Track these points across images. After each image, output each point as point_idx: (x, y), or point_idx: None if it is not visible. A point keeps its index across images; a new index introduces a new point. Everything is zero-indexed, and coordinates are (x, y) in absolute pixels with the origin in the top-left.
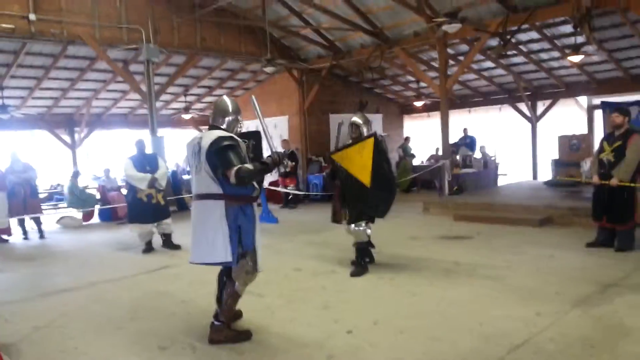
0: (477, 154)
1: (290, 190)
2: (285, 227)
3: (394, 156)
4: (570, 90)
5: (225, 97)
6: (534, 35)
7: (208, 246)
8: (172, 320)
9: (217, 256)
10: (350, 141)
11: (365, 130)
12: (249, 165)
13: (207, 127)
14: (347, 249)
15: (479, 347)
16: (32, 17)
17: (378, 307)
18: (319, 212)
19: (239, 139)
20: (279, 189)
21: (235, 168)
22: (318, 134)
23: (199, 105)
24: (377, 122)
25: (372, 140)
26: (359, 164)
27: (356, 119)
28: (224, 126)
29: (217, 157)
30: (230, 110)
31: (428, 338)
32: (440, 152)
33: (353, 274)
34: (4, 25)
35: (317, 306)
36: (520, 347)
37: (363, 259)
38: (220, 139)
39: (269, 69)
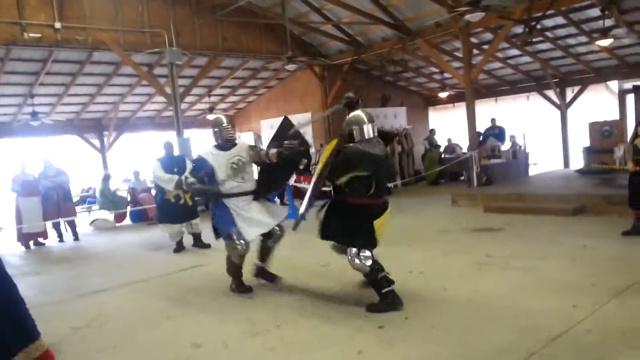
0: (507, 144)
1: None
2: (314, 224)
3: (419, 149)
4: (599, 75)
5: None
6: (560, 20)
7: None
8: (204, 318)
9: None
10: None
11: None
12: (190, 180)
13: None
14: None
15: (514, 340)
16: (57, 25)
17: (409, 302)
18: None
19: (208, 156)
20: (301, 185)
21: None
22: (342, 130)
23: (222, 106)
24: (401, 115)
25: (334, 142)
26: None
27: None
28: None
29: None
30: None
31: (461, 332)
32: (453, 142)
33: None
34: (31, 34)
35: (348, 302)
36: (557, 340)
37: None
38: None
39: (290, 67)
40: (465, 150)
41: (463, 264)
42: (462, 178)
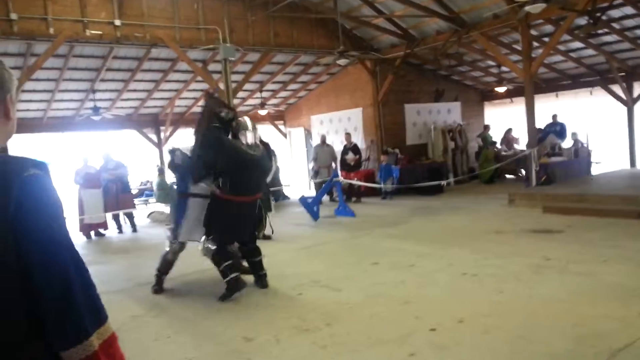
0: (569, 142)
1: (360, 183)
2: (363, 221)
3: (473, 145)
4: None
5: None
6: (629, 10)
7: None
8: (255, 312)
9: None
10: None
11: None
12: None
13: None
14: (426, 241)
15: (573, 349)
16: (117, 22)
17: (462, 304)
18: (396, 204)
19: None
20: (354, 181)
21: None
22: (393, 125)
23: (273, 101)
24: (455, 110)
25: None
26: None
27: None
28: None
29: None
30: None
31: (516, 338)
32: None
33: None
34: (93, 31)
35: (397, 301)
36: (622, 352)
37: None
38: None
39: (341, 62)
40: (521, 144)
41: (519, 267)
42: (520, 175)
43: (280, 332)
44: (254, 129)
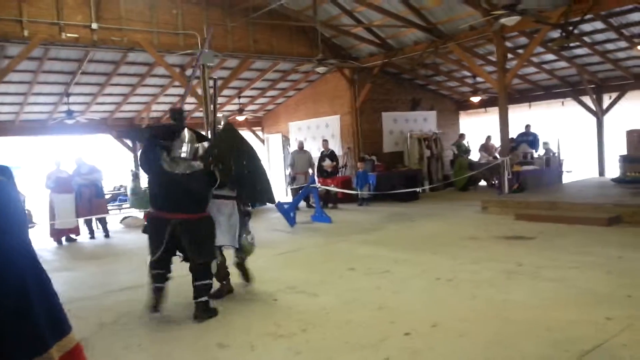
0: (541, 151)
1: (337, 189)
2: (339, 227)
3: (448, 154)
4: (639, 81)
5: None
6: (599, 25)
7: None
8: (230, 318)
9: None
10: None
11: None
12: None
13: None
14: (402, 247)
15: (546, 353)
16: (94, 26)
17: (436, 309)
18: (372, 211)
19: None
20: (331, 188)
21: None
22: (371, 133)
23: (251, 107)
24: (431, 119)
25: None
26: None
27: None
28: None
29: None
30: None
31: (490, 342)
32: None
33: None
34: (69, 34)
35: (373, 307)
36: (591, 353)
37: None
38: None
39: (320, 69)
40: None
41: (493, 273)
42: (493, 183)
43: (256, 338)
44: (191, 140)
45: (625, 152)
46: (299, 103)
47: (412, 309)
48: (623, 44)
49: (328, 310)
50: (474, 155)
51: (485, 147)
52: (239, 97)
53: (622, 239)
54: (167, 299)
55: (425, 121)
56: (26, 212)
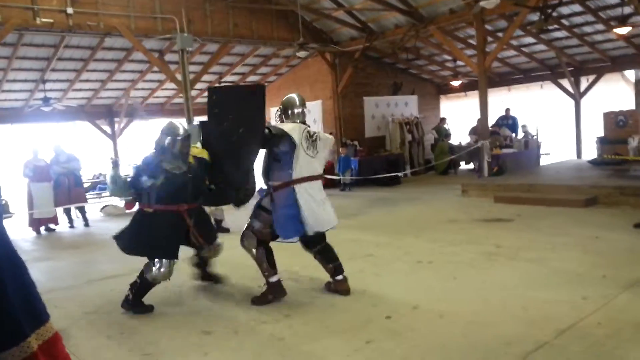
0: (520, 134)
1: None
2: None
3: (428, 138)
4: (616, 64)
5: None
6: (577, 8)
7: (333, 211)
8: (214, 305)
9: (336, 220)
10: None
11: None
12: None
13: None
14: (384, 231)
15: (523, 331)
16: (69, 10)
17: (417, 292)
18: (354, 196)
19: None
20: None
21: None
22: (352, 118)
23: None
24: (412, 103)
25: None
26: None
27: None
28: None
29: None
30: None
31: (470, 322)
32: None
33: None
34: (43, 19)
35: (355, 290)
36: (567, 332)
37: None
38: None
39: (301, 54)
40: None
41: (472, 254)
42: (473, 167)
43: (239, 324)
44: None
45: (602, 134)
46: (281, 88)
47: (394, 292)
48: (600, 26)
49: (311, 296)
50: (456, 139)
51: (476, 130)
52: (220, 83)
53: (598, 220)
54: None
55: (407, 105)
56: (2, 201)
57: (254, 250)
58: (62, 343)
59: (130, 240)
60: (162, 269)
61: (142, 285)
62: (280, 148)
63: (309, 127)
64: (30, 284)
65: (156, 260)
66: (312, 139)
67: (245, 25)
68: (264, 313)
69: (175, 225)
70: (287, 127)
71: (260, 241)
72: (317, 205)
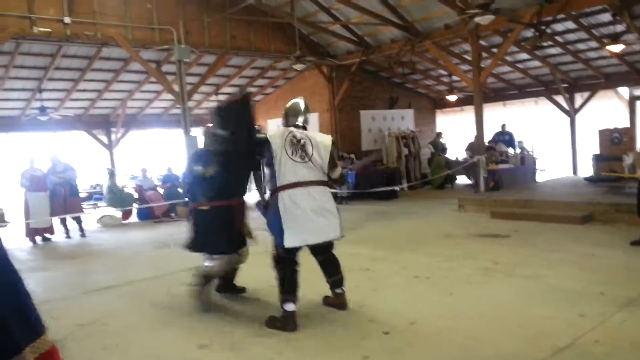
0: (516, 150)
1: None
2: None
3: (425, 152)
4: (609, 81)
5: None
6: (570, 25)
7: (334, 223)
8: (210, 318)
9: (337, 232)
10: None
11: None
12: None
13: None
14: (381, 246)
15: (520, 348)
16: (67, 20)
17: (414, 307)
18: (351, 209)
19: None
20: None
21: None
22: (349, 131)
23: None
24: (408, 117)
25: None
26: None
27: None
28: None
29: (332, 155)
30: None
31: (467, 339)
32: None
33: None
34: (41, 28)
35: (352, 305)
36: (564, 350)
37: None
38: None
39: (298, 66)
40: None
41: (469, 270)
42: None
43: (236, 338)
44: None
45: (597, 151)
46: (278, 100)
47: (391, 307)
48: (594, 44)
49: (308, 310)
50: (452, 154)
51: (472, 147)
52: (217, 94)
53: (594, 237)
54: (151, 300)
55: (403, 119)
56: None
57: (275, 268)
58: (58, 355)
59: (191, 240)
60: (218, 264)
61: (203, 277)
62: (265, 154)
63: (305, 130)
64: (25, 294)
65: (214, 255)
66: (299, 143)
67: (242, 37)
68: (261, 327)
69: (227, 221)
70: (271, 132)
71: (280, 258)
72: (302, 214)
